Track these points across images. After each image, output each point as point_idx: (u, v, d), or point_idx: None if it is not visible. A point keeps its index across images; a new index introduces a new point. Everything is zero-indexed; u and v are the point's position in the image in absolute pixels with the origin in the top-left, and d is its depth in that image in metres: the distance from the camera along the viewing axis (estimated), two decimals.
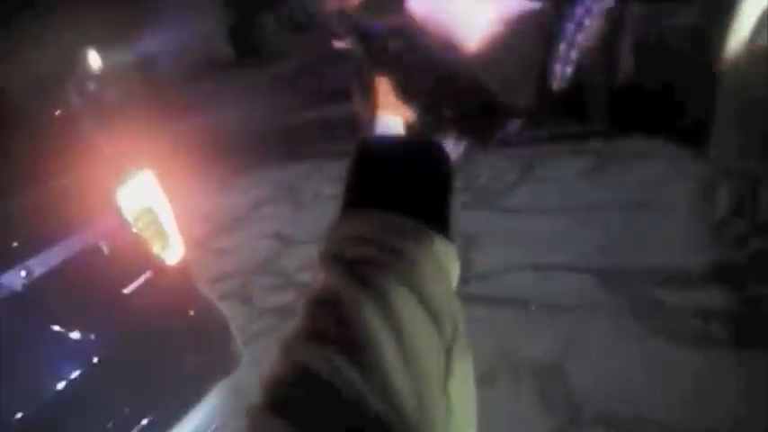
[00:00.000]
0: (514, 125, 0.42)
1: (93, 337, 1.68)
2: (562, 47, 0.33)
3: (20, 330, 1.54)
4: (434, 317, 0.38)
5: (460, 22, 0.37)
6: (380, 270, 0.38)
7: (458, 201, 0.43)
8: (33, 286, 1.56)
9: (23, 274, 1.54)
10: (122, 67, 14.06)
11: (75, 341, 1.65)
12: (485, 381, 2.56)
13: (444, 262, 0.40)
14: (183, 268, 1.99)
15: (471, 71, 0.38)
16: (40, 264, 1.59)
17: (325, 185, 5.35)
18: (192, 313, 1.92)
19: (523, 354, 2.68)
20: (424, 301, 0.38)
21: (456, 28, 0.37)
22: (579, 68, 0.33)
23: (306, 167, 6.12)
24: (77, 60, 13.66)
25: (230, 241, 4.92)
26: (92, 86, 13.12)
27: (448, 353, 0.38)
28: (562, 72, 0.33)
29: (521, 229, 3.77)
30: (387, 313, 0.37)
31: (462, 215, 4.09)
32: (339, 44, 0.46)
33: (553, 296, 3.00)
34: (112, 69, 13.79)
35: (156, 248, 1.91)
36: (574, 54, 0.32)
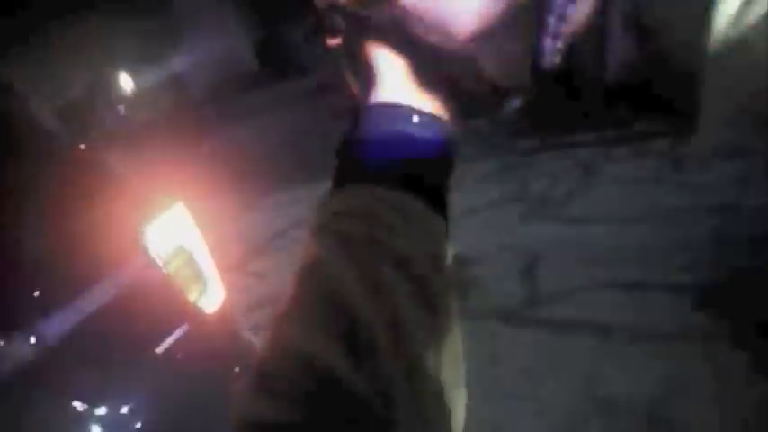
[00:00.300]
0: (513, 104, 0.40)
1: (122, 410, 1.39)
2: (551, 20, 0.32)
3: (32, 409, 1.25)
4: (426, 296, 0.36)
5: (448, 8, 0.36)
6: (372, 246, 0.36)
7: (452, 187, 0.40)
8: (46, 354, 1.28)
9: (33, 340, 1.26)
10: (153, 88, 14.09)
11: (101, 418, 1.35)
12: (574, 427, 2.21)
13: (436, 240, 0.39)
14: (225, 316, 1.69)
15: (464, 54, 0.37)
16: (54, 325, 1.31)
17: None
18: (237, 370, 1.62)
19: (616, 392, 2.31)
20: (415, 280, 0.36)
21: (445, 14, 0.36)
22: (571, 46, 0.32)
23: None
24: (109, 83, 13.74)
25: (268, 264, 4.64)
26: (123, 110, 13.14)
27: (438, 331, 0.37)
28: (552, 47, 0.32)
29: (589, 240, 3.40)
30: (379, 294, 0.35)
31: (520, 228, 3.74)
32: (332, 42, 0.43)
33: (640, 320, 2.62)
34: (143, 90, 13.83)
35: (192, 295, 1.62)
36: (564, 27, 0.32)
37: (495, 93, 0.39)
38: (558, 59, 0.33)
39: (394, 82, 0.40)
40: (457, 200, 0.50)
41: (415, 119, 0.39)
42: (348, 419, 0.32)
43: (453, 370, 0.38)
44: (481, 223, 3.81)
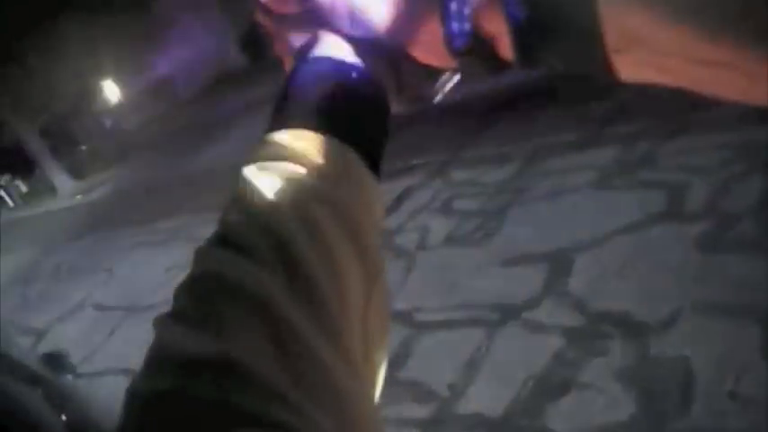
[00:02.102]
0: (444, 83, 0.41)
1: None
2: (453, 6, 0.33)
3: None
4: (362, 252, 0.35)
5: (357, 1, 0.38)
6: (310, 194, 0.35)
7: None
8: None
9: None
10: (139, 95, 13.69)
11: None
12: None
13: (372, 196, 0.38)
14: None
15: (390, 42, 0.38)
16: None
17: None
18: None
19: None
20: (348, 227, 0.35)
21: (356, 8, 0.38)
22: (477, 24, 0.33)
23: None
24: (93, 94, 13.34)
25: None
26: (109, 122, 12.77)
27: (370, 284, 0.36)
28: (460, 29, 0.33)
29: None
30: (320, 246, 0.34)
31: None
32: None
33: None
34: (130, 98, 13.44)
35: None
36: (467, 9, 0.33)
37: (430, 74, 0.40)
38: (467, 40, 0.33)
39: (331, 45, 0.40)
40: None
41: (354, 74, 0.39)
42: (283, 352, 0.30)
43: (379, 325, 0.37)
44: None
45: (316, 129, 0.37)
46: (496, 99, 4.16)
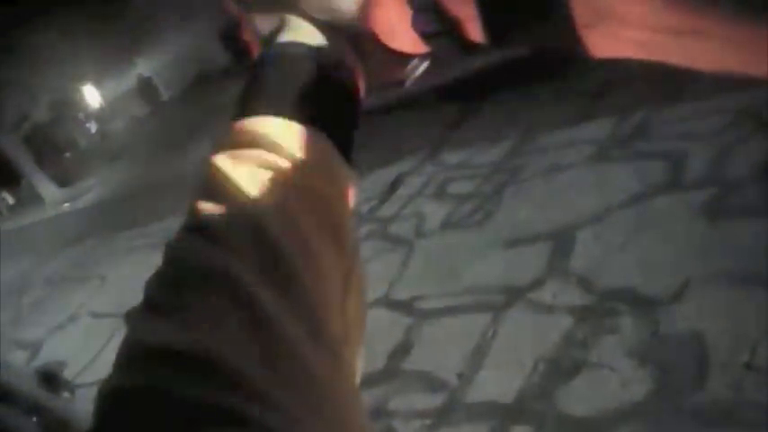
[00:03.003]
0: (413, 64, 0.40)
1: None
2: None
3: None
4: (337, 240, 0.35)
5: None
6: (285, 182, 0.34)
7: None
8: None
9: None
10: (122, 98, 13.52)
11: None
12: None
13: (345, 183, 0.37)
14: None
15: (359, 27, 0.38)
16: None
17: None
18: None
19: None
20: (323, 216, 0.35)
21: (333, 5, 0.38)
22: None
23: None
24: (74, 101, 13.15)
25: None
26: (93, 126, 12.60)
27: (348, 274, 0.35)
28: (428, 12, 0.33)
29: None
30: (296, 235, 0.33)
31: None
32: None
33: None
34: (111, 102, 13.26)
35: None
36: None
37: (400, 59, 0.40)
38: (436, 23, 0.33)
39: (298, 30, 0.40)
40: None
41: (324, 59, 0.38)
42: (260, 344, 0.28)
43: (357, 313, 0.36)
44: None
45: (287, 116, 0.36)
46: (484, 78, 4.09)
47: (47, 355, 4.24)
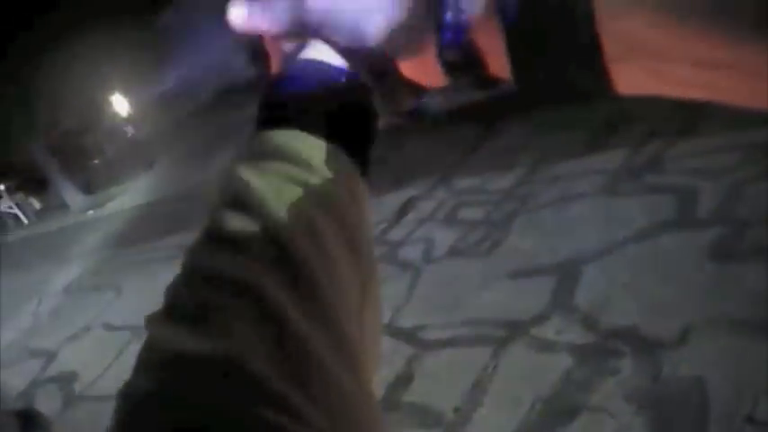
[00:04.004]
0: (431, 98, 0.41)
1: None
2: (449, 17, 0.32)
3: None
4: (353, 248, 0.35)
5: (352, 16, 0.36)
6: (308, 196, 0.34)
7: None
8: None
9: None
10: (148, 108, 13.76)
11: None
12: None
13: (364, 200, 0.38)
14: None
15: (379, 55, 0.37)
16: None
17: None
18: None
19: None
20: (345, 231, 0.35)
21: (350, 22, 0.36)
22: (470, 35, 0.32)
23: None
24: (104, 108, 13.42)
25: None
26: (123, 132, 12.83)
27: (363, 284, 0.36)
28: (454, 41, 0.32)
29: None
30: (319, 248, 0.33)
31: None
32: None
33: None
34: (140, 111, 13.51)
35: None
36: (463, 20, 0.31)
37: (416, 90, 0.39)
38: (461, 53, 0.33)
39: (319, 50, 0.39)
40: None
41: (344, 77, 0.38)
42: (284, 354, 0.28)
43: (373, 328, 0.37)
44: None
45: (310, 130, 0.36)
46: (500, 104, 4.08)
47: (59, 366, 4.29)
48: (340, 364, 0.30)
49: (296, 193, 0.34)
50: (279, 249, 0.32)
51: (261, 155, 0.36)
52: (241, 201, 0.34)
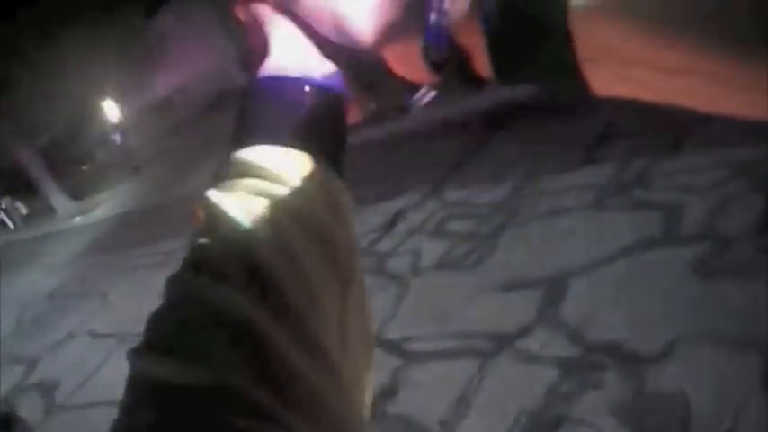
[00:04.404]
0: (420, 94, 0.40)
1: None
2: (432, 17, 0.32)
3: None
4: (329, 254, 0.36)
5: (344, 13, 0.37)
6: (278, 208, 0.35)
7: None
8: None
9: None
10: (139, 114, 13.71)
11: None
12: None
13: (338, 198, 0.38)
14: None
15: (369, 52, 0.38)
16: None
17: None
18: None
19: None
20: (319, 238, 0.35)
21: (342, 19, 0.37)
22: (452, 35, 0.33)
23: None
24: (94, 114, 13.36)
25: None
26: (114, 138, 12.77)
27: (344, 289, 0.36)
28: (438, 41, 0.33)
29: None
30: (285, 249, 0.34)
31: None
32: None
33: None
34: (130, 118, 13.46)
35: None
36: (445, 21, 0.32)
37: (407, 87, 0.39)
38: (444, 53, 0.33)
39: (289, 51, 0.40)
40: None
41: (307, 88, 0.39)
42: (268, 374, 0.30)
43: (359, 330, 0.37)
44: None
45: (280, 143, 0.37)
46: (491, 117, 4.11)
47: (42, 372, 4.25)
48: (315, 369, 0.31)
49: (262, 205, 0.35)
50: (246, 266, 0.32)
51: (233, 174, 0.37)
52: (211, 224, 0.35)
